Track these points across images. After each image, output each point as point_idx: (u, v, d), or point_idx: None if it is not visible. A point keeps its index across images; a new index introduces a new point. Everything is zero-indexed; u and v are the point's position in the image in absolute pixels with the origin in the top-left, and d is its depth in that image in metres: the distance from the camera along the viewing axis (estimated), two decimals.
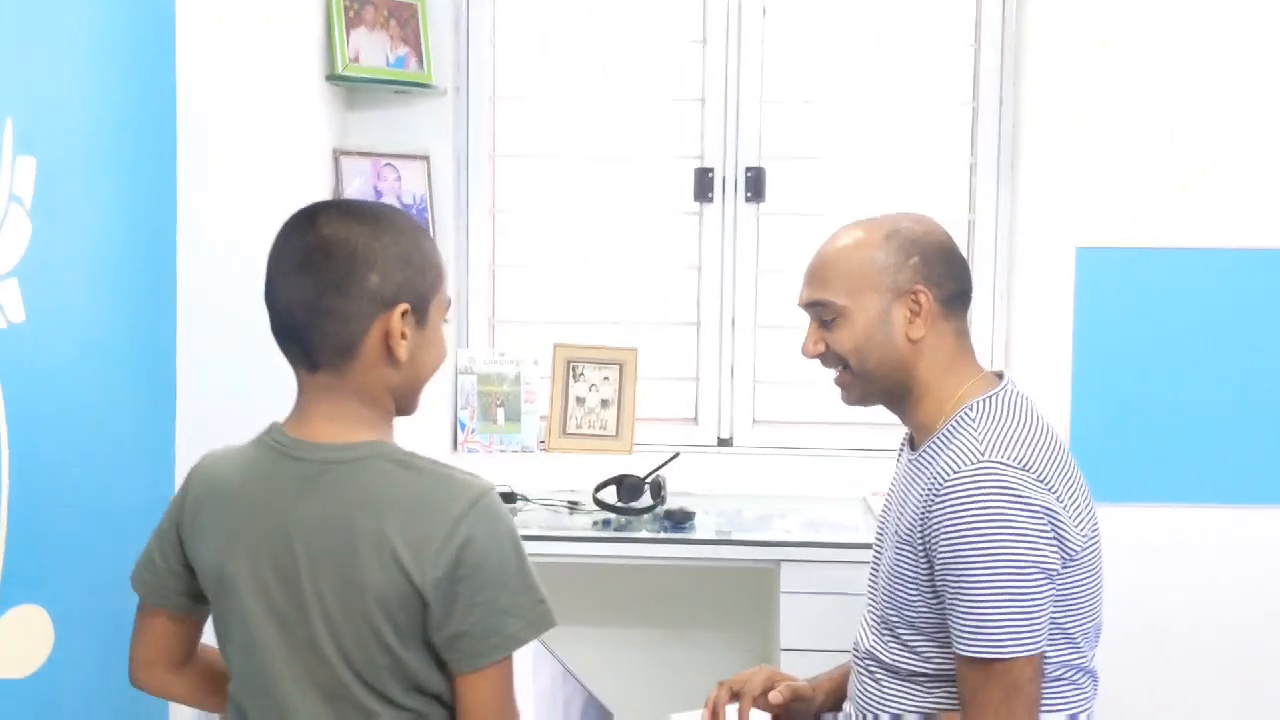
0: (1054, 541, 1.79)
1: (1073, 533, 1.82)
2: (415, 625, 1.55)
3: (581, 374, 3.54)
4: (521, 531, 2.94)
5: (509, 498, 3.27)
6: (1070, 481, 1.86)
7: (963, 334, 1.98)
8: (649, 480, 3.23)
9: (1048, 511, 1.79)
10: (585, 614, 3.31)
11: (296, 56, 3.16)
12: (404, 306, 1.57)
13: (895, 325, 1.93)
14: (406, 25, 3.37)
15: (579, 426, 3.53)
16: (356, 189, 3.31)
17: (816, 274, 1.99)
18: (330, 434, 1.59)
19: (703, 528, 3.10)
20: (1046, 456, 1.84)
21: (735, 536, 3.01)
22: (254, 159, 3.02)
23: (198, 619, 1.73)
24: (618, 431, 3.52)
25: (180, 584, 1.69)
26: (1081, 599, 1.86)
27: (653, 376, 3.55)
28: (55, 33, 2.40)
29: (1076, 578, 1.84)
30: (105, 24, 2.56)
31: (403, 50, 3.36)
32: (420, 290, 1.60)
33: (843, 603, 2.82)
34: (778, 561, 2.92)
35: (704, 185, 3.50)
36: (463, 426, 3.51)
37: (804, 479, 3.45)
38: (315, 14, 3.22)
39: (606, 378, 3.54)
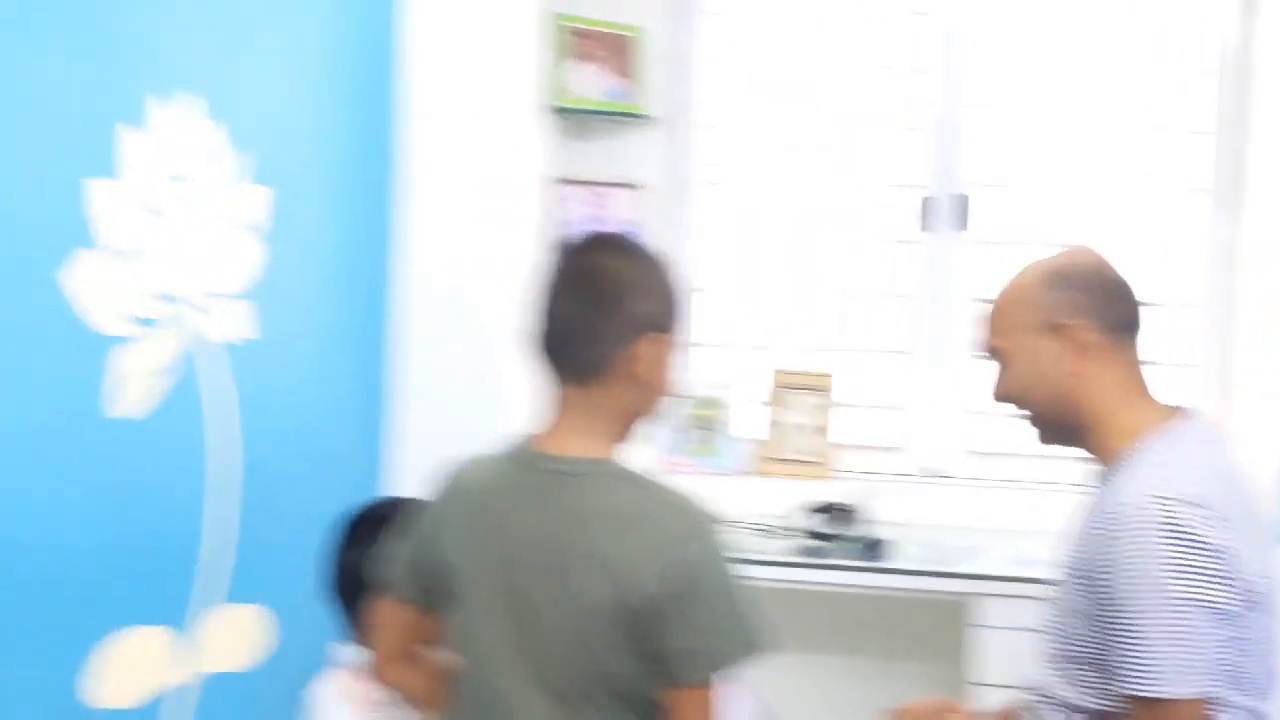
0: (1229, 581, 1.74)
1: (1251, 572, 1.77)
2: (629, 636, 1.60)
3: (790, 400, 3.56)
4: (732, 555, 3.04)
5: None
6: (1250, 520, 1.80)
7: (1133, 364, 1.93)
8: (854, 508, 3.23)
9: (1223, 550, 1.74)
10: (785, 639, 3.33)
11: (518, 89, 3.28)
12: (655, 334, 1.67)
13: (1050, 361, 1.91)
14: (624, 58, 3.47)
15: (787, 452, 3.55)
16: (573, 216, 3.42)
17: (985, 319, 2.01)
18: (572, 447, 1.67)
19: (898, 557, 3.08)
20: (1224, 493, 1.79)
21: (928, 568, 2.98)
22: (474, 185, 3.15)
23: (434, 615, 1.78)
24: (821, 458, 3.53)
25: (426, 581, 1.75)
26: (1262, 642, 1.80)
27: (863, 405, 3.55)
28: (290, 72, 2.57)
29: (1257, 619, 1.79)
30: (334, 61, 2.74)
31: (618, 81, 3.46)
32: (668, 321, 1.70)
33: (1034, 639, 2.76)
34: (968, 595, 2.89)
35: (926, 213, 3.48)
36: (670, 448, 3.57)
37: (1013, 512, 3.39)
38: (537, 48, 3.34)
39: (813, 404, 3.56)
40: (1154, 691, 1.73)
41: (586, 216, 3.46)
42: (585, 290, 1.67)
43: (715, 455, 3.56)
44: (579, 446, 1.67)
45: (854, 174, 3.55)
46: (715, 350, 3.67)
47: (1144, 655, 1.74)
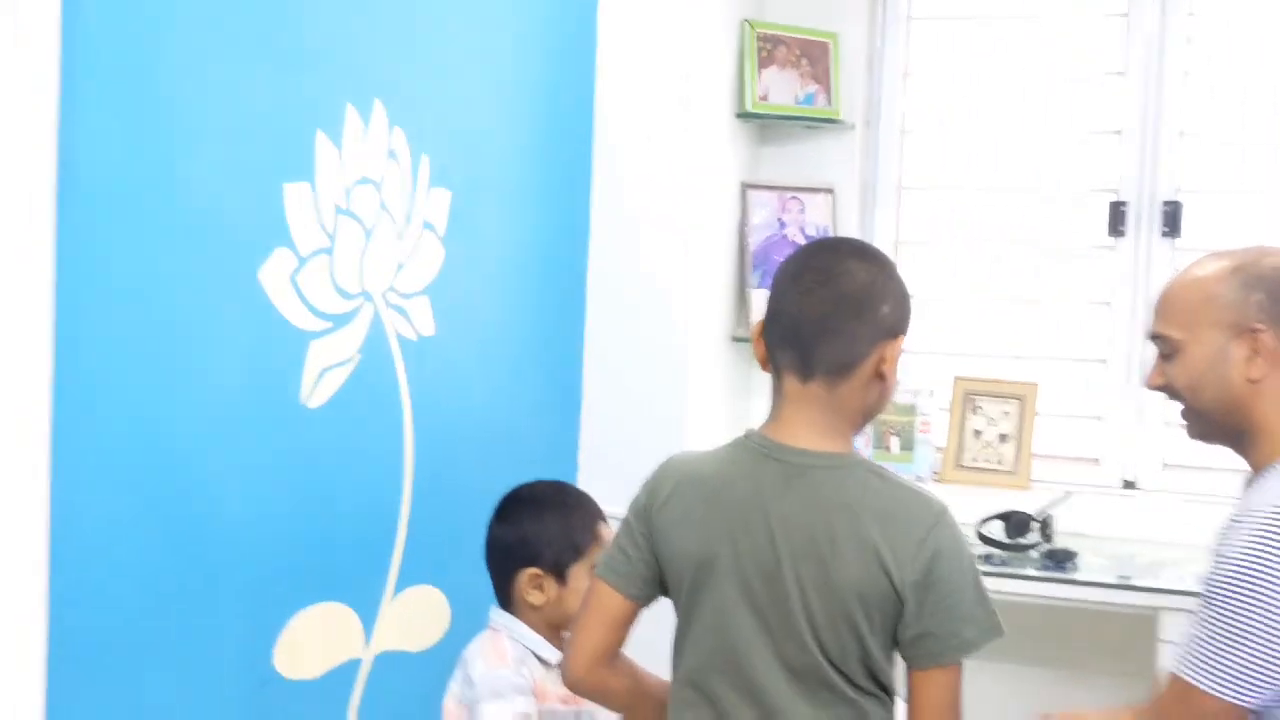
0: None
1: None
2: (887, 619, 1.70)
3: (980, 407, 3.53)
4: None
5: None
6: None
7: None
8: (1039, 518, 3.19)
9: None
10: None
11: (709, 94, 3.35)
12: (904, 337, 1.76)
13: (1232, 363, 1.88)
14: (818, 63, 3.50)
15: (974, 460, 3.52)
16: (760, 220, 3.47)
17: (1160, 306, 1.97)
18: (809, 441, 1.73)
19: (1087, 569, 3.03)
20: None
21: (1110, 580, 2.92)
22: (663, 189, 3.23)
23: (642, 608, 1.84)
24: (1015, 467, 3.48)
25: (648, 572, 1.80)
26: None
27: (1055, 414, 3.49)
28: (477, 74, 2.69)
29: None
30: (529, 65, 2.85)
31: (812, 87, 3.49)
32: (905, 325, 1.78)
33: None
34: (1157, 609, 2.83)
35: (1117, 219, 3.41)
36: (861, 450, 3.57)
37: (1208, 526, 3.28)
38: (728, 54, 3.40)
39: (1006, 412, 3.52)
40: (1193, 679, 1.76)
41: (778, 220, 3.50)
42: (840, 293, 1.73)
43: (902, 461, 3.55)
44: (819, 441, 1.74)
45: (1053, 178, 3.50)
46: (907, 356, 3.65)
47: (1206, 642, 1.76)
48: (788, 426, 1.75)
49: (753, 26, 3.43)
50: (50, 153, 1.77)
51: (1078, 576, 3.00)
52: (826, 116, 3.50)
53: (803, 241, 3.52)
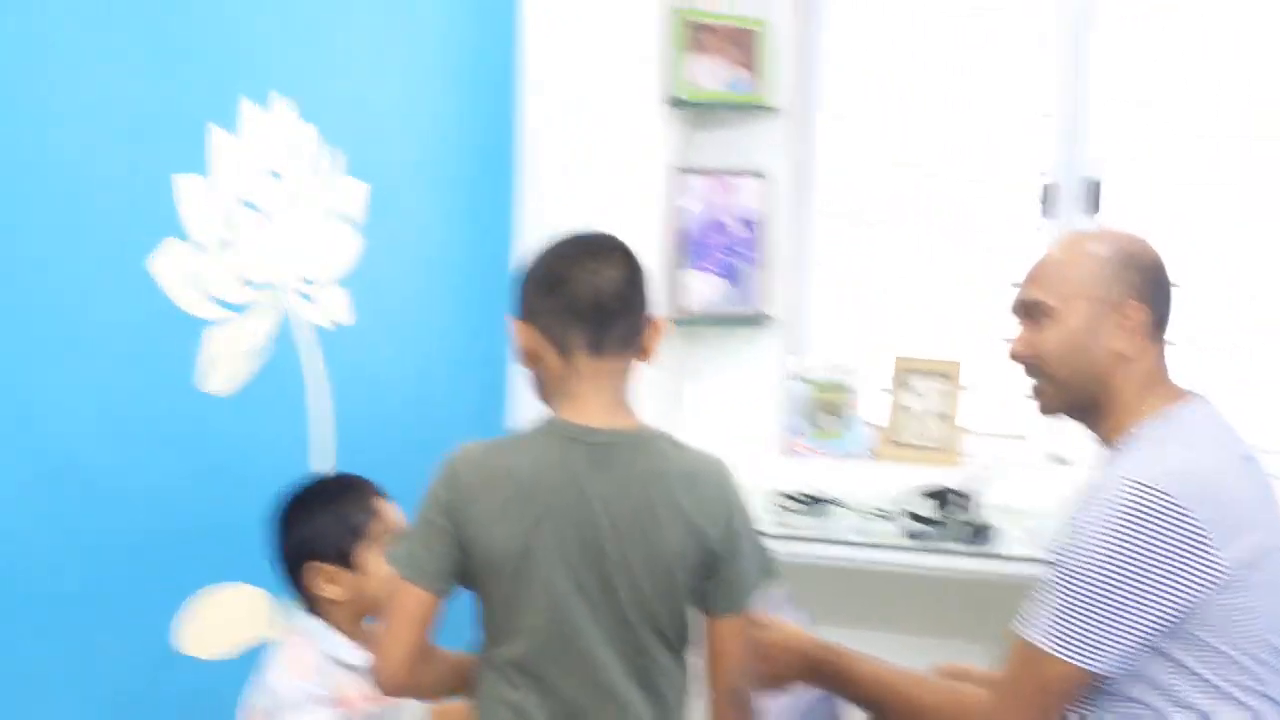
0: (1186, 572, 1.80)
1: (1227, 554, 1.79)
2: (698, 579, 1.83)
3: (912, 385, 3.58)
4: (831, 536, 3.09)
5: (821, 501, 3.38)
6: (1238, 501, 1.83)
7: (1162, 356, 1.99)
8: (963, 493, 3.24)
9: (1188, 542, 1.78)
10: (883, 621, 3.35)
11: (637, 80, 3.40)
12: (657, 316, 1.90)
13: (1101, 336, 1.96)
14: (746, 50, 3.55)
15: (908, 437, 3.58)
16: (692, 205, 3.52)
17: (1036, 275, 2.05)
18: (607, 419, 1.82)
19: (1004, 543, 3.08)
20: (1212, 473, 1.83)
21: (1030, 554, 2.97)
22: (592, 175, 3.27)
23: (446, 602, 1.87)
24: (945, 444, 3.54)
25: (452, 566, 1.83)
26: (1250, 620, 1.81)
27: (988, 392, 3.54)
28: (394, 66, 2.75)
29: (1237, 600, 1.80)
30: (451, 55, 2.91)
31: (741, 73, 3.54)
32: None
33: None
34: None
35: (1050, 200, 3.45)
36: (793, 431, 3.63)
37: None
38: (657, 41, 3.45)
39: (937, 389, 3.57)
40: (1036, 640, 1.85)
41: (709, 205, 3.55)
42: (627, 272, 1.84)
43: (838, 438, 3.60)
44: (615, 419, 1.83)
45: (977, 160, 3.55)
46: (841, 336, 3.71)
47: (1047, 608, 1.85)
48: (584, 407, 1.82)
49: (681, 15, 3.48)
50: None
51: (992, 550, 3.05)
52: (755, 102, 3.55)
53: (733, 224, 3.58)
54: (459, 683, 1.94)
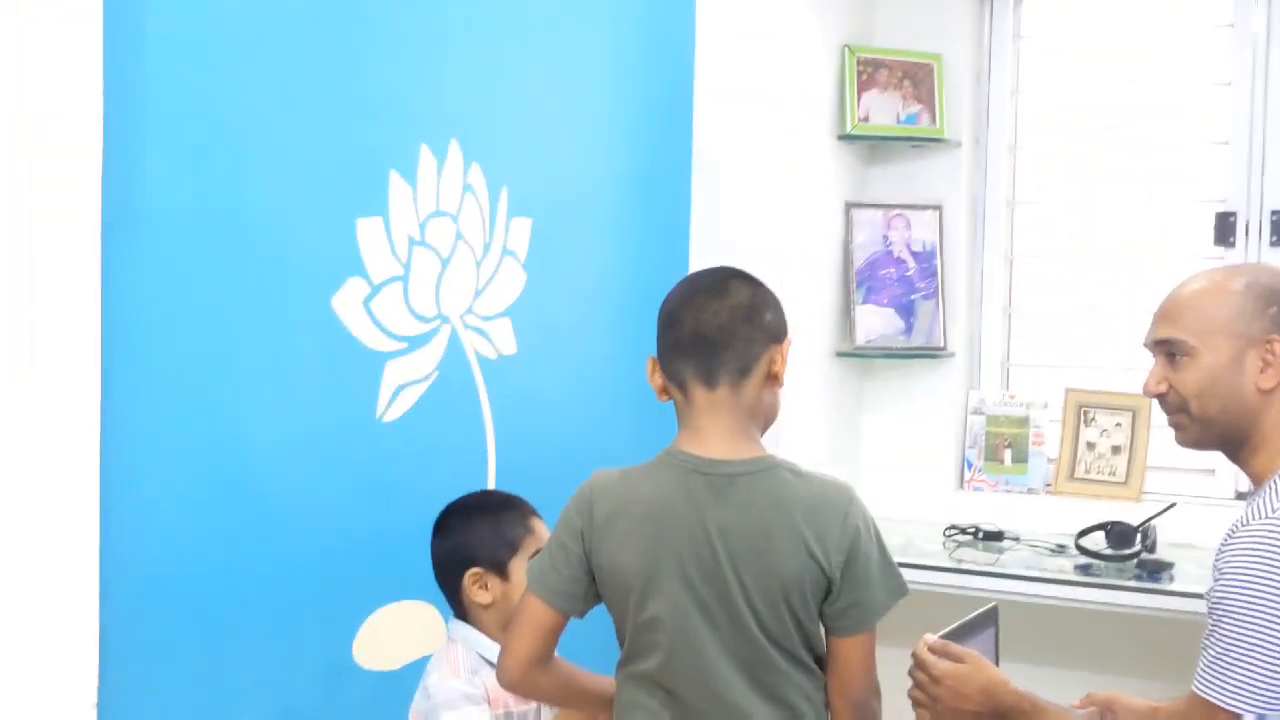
0: None
1: None
2: (818, 599, 1.89)
3: (1093, 419, 3.55)
4: (1002, 570, 3.08)
5: (996, 536, 3.37)
6: None
7: None
8: (1140, 528, 3.19)
9: None
10: (1054, 655, 3.32)
11: (809, 117, 3.47)
12: (789, 340, 1.96)
13: (1246, 373, 1.93)
14: (921, 84, 3.58)
15: (1087, 471, 3.54)
16: (864, 239, 3.57)
17: (1169, 313, 2.01)
18: (727, 451, 1.90)
19: (1182, 580, 3.03)
20: None
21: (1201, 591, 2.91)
22: (764, 211, 3.35)
23: (571, 618, 2.00)
24: (1127, 478, 3.49)
25: (579, 589, 1.95)
26: None
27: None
28: (565, 105, 2.89)
29: None
30: (624, 94, 3.05)
31: (915, 108, 3.58)
32: (785, 331, 1.97)
33: None
34: None
35: (1225, 230, 3.39)
36: (969, 465, 3.64)
37: None
38: (829, 78, 3.51)
39: (1119, 424, 3.52)
40: (1213, 698, 1.80)
41: (883, 237, 3.59)
42: (731, 304, 1.91)
43: (1015, 473, 3.59)
44: (735, 449, 1.90)
45: (1162, 190, 3.50)
46: (1020, 369, 3.70)
47: (1217, 659, 1.80)
48: (705, 439, 1.90)
49: (852, 51, 3.53)
50: (103, 186, 2.01)
51: (1169, 587, 3.00)
52: (930, 135, 3.58)
53: (908, 258, 3.60)
54: (577, 697, 2.07)
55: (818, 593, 1.88)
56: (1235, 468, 3.08)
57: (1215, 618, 1.84)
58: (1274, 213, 3.34)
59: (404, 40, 2.49)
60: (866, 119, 3.54)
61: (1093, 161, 3.59)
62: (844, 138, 3.54)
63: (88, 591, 1.91)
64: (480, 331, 2.68)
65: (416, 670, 2.50)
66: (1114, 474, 3.51)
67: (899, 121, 3.57)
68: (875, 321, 3.58)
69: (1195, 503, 3.36)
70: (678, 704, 1.91)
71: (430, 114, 2.55)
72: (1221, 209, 3.40)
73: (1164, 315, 2.01)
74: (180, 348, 2.12)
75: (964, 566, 3.20)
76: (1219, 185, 3.41)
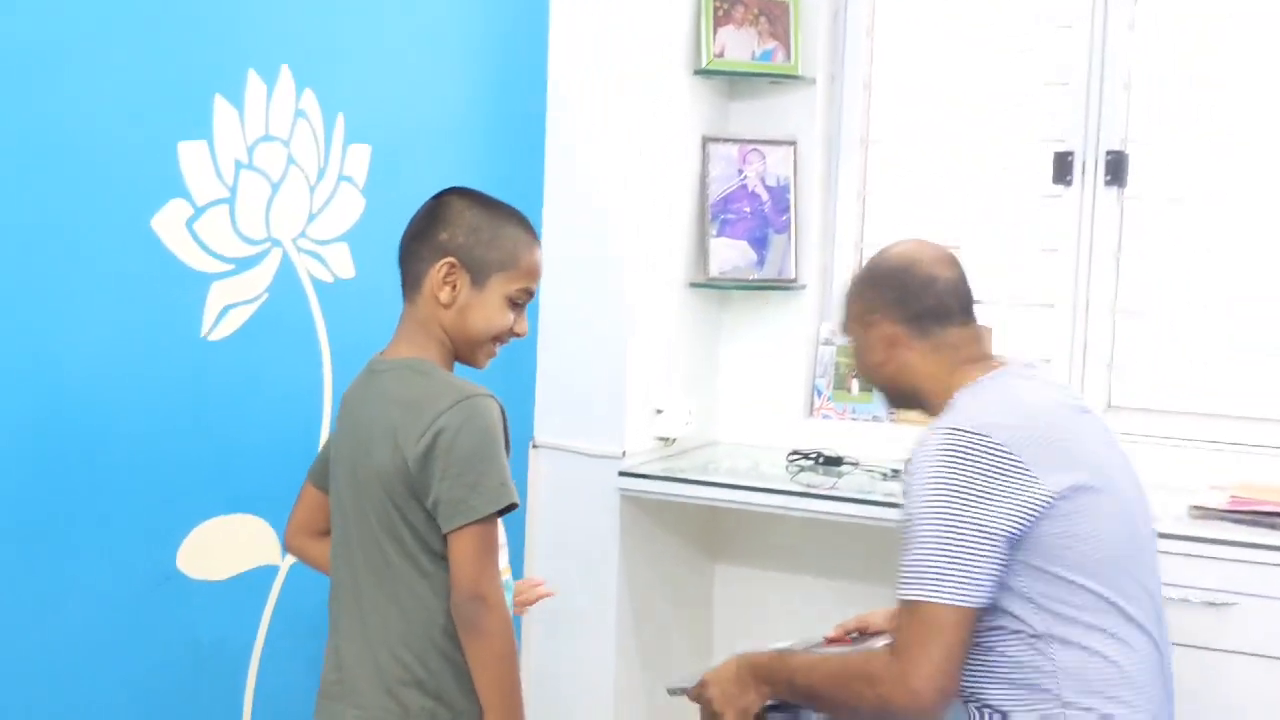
0: (1010, 500, 1.96)
1: (1048, 484, 1.99)
2: (408, 493, 1.95)
3: None
4: (836, 492, 3.20)
5: (835, 461, 3.49)
6: (1058, 442, 2.04)
7: (943, 347, 2.20)
8: None
9: (1005, 471, 1.96)
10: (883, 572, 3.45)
11: (665, 51, 3.53)
12: (450, 260, 1.99)
13: (871, 350, 2.25)
14: (777, 21, 3.66)
15: None
16: (719, 172, 3.65)
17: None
18: (398, 352, 2.06)
19: None
20: (1020, 419, 2.03)
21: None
22: (619, 143, 3.43)
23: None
24: None
25: (320, 467, 2.21)
26: (1078, 545, 2.01)
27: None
28: (411, 32, 2.98)
29: (1058, 527, 2.00)
30: (475, 23, 3.16)
31: (770, 44, 3.66)
32: (479, 258, 2.00)
33: None
34: None
35: (1062, 169, 3.50)
36: (818, 393, 3.75)
37: (1161, 469, 3.38)
38: (685, 13, 3.58)
39: None
40: (910, 595, 1.99)
41: (738, 171, 3.68)
42: (412, 223, 2.09)
43: (861, 402, 3.71)
44: (402, 351, 2.05)
45: (1003, 129, 3.61)
46: None
47: (907, 562, 2.01)
48: (392, 343, 2.09)
49: None
50: None
51: None
52: (784, 72, 3.66)
53: (762, 192, 3.70)
54: None
55: (406, 483, 1.94)
56: None
57: (909, 528, 2.02)
58: (1109, 153, 3.45)
59: None
60: (722, 54, 3.61)
61: (943, 101, 3.68)
62: (700, 72, 3.61)
63: None
64: (314, 255, 2.76)
65: (241, 581, 2.61)
66: None
67: (754, 58, 3.65)
68: (729, 254, 3.67)
69: None
70: (334, 584, 2.10)
71: (259, 39, 2.61)
72: (1060, 148, 3.51)
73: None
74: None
75: (802, 490, 3.31)
76: (1057, 125, 3.52)
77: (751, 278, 3.69)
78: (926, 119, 3.71)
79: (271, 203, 2.65)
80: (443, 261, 1.99)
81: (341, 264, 2.82)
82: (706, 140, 3.68)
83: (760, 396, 3.80)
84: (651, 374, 3.54)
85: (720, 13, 3.61)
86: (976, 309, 2.29)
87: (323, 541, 2.17)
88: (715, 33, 3.61)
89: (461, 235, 2.00)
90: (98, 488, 2.36)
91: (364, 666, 1.99)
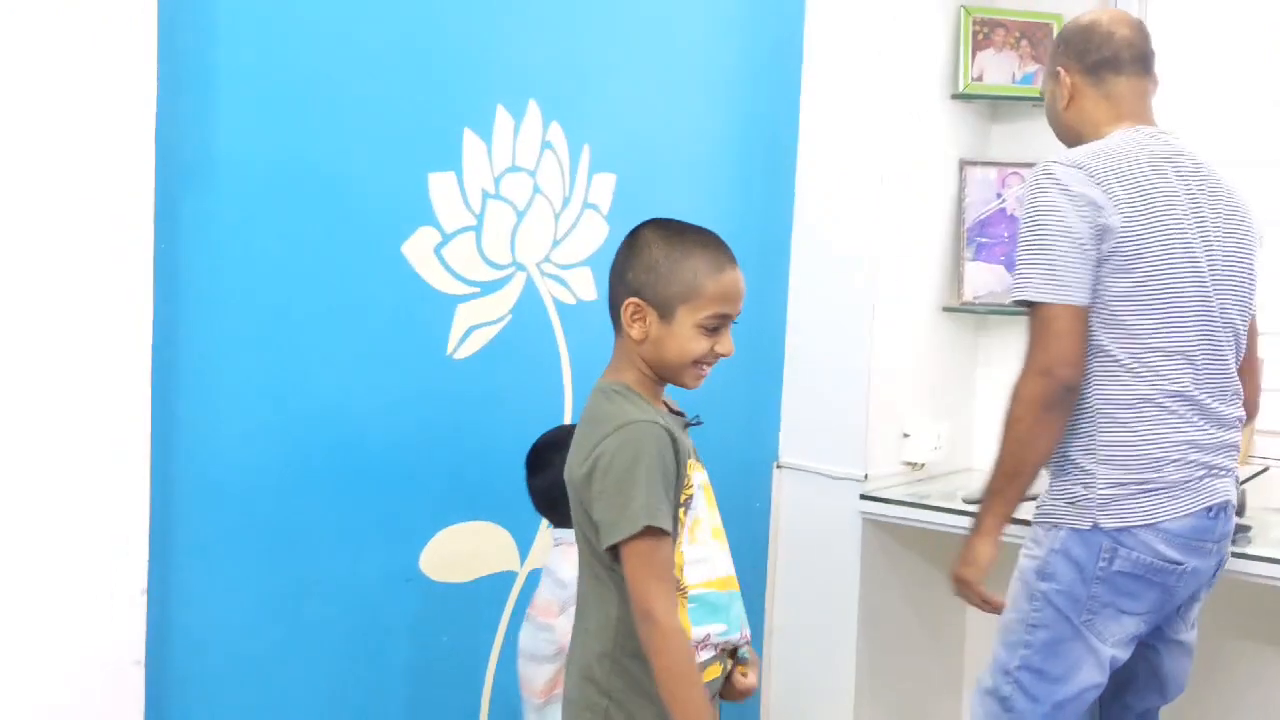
0: (1087, 212, 2.37)
1: (1116, 216, 2.39)
2: (582, 506, 2.04)
3: None
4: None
5: None
6: (1132, 186, 2.42)
7: (1112, 95, 2.57)
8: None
9: (1085, 194, 2.38)
10: None
11: (923, 76, 3.54)
12: (634, 300, 2.06)
13: (1057, 100, 2.64)
14: (1039, 45, 3.61)
15: None
16: (976, 196, 3.62)
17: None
18: (605, 374, 2.14)
19: (1260, 543, 3.02)
20: (1110, 165, 2.42)
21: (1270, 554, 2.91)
22: (872, 167, 3.45)
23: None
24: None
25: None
26: (1146, 292, 2.40)
27: None
28: (664, 64, 3.10)
29: (1131, 252, 2.39)
30: (730, 47, 3.27)
31: (1032, 67, 3.60)
32: (661, 294, 2.05)
33: None
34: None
35: None
36: None
37: None
38: (944, 37, 3.57)
39: None
40: (1026, 296, 2.40)
41: (996, 195, 3.64)
42: (616, 257, 2.13)
43: None
44: (609, 374, 2.13)
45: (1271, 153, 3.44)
46: None
47: (1021, 273, 2.42)
48: (609, 364, 2.15)
49: (968, 12, 3.58)
50: (151, 141, 2.29)
51: (1244, 550, 3.00)
52: (1037, 95, 3.59)
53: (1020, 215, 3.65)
54: None
55: (580, 501, 2.04)
56: None
57: (1018, 243, 2.45)
58: None
59: (483, 3, 2.71)
60: (980, 78, 3.59)
61: (1209, 124, 3.53)
62: (957, 96, 3.59)
63: (138, 492, 2.18)
64: (557, 279, 2.90)
65: (481, 584, 2.77)
66: None
67: (1015, 81, 3.60)
68: (985, 278, 3.64)
69: None
70: None
71: (508, 75, 2.77)
72: None
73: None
74: (251, 288, 2.39)
75: None
76: None
77: (1007, 302, 3.64)
78: (1190, 142, 3.56)
79: (517, 229, 2.80)
80: (627, 301, 2.06)
81: (584, 287, 2.96)
82: (964, 164, 3.66)
83: None
84: (898, 397, 3.55)
85: (980, 36, 3.58)
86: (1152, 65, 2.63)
87: None
88: (974, 56, 3.59)
89: (642, 274, 2.05)
90: (349, 493, 2.56)
91: (572, 654, 2.14)
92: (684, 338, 2.06)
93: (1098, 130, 2.55)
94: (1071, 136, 2.61)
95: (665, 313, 2.05)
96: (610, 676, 2.05)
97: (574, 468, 2.05)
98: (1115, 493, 2.43)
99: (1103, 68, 2.56)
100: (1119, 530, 2.42)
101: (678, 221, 2.12)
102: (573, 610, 2.35)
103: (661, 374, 2.10)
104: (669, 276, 2.05)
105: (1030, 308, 2.42)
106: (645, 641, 1.97)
